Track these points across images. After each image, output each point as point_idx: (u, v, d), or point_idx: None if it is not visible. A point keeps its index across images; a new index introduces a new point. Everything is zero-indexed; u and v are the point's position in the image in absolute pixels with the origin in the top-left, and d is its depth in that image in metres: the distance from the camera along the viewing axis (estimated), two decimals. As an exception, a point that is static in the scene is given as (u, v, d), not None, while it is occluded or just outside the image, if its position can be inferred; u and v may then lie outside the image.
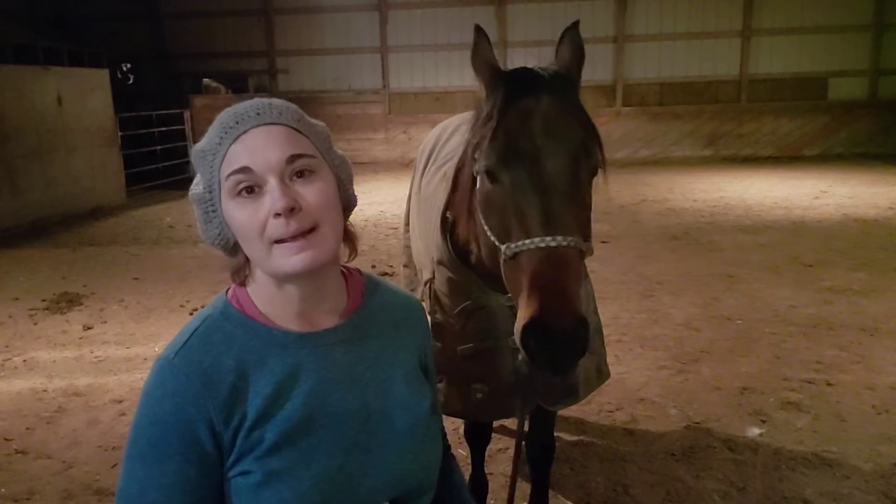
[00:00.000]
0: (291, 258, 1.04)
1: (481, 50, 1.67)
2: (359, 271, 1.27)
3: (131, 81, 16.55)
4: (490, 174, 1.58)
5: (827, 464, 3.22)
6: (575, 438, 3.55)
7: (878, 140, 15.32)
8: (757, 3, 15.38)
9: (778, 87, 15.71)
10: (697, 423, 3.66)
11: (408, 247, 3.15)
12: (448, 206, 2.09)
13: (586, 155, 1.58)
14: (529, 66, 1.65)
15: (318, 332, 1.13)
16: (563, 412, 3.75)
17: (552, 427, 2.60)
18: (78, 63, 11.26)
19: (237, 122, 1.07)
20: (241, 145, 1.06)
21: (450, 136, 2.74)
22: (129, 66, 16.54)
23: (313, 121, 1.16)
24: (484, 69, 1.66)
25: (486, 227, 1.63)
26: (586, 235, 1.55)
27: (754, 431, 3.55)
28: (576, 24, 1.69)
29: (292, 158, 1.05)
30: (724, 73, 15.77)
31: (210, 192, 1.10)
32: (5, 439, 3.72)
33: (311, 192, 1.06)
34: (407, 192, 3.24)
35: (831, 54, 15.43)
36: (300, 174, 1.06)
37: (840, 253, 7.04)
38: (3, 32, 11.32)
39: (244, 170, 1.04)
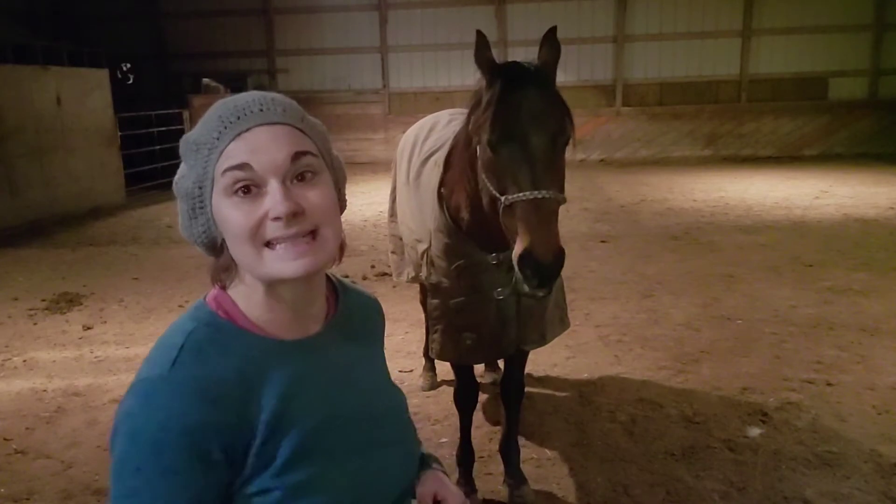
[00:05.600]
0: (290, 262, 0.99)
1: (482, 50, 2.14)
2: (326, 274, 1.21)
3: (131, 81, 16.54)
4: (491, 147, 2.07)
5: (827, 464, 3.21)
6: (575, 438, 3.54)
7: (878, 140, 15.32)
8: (757, 3, 15.38)
9: (778, 87, 15.72)
10: (697, 423, 3.65)
11: (394, 235, 3.63)
12: (441, 183, 2.63)
13: (562, 131, 2.07)
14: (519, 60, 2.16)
15: (311, 337, 1.10)
16: (561, 411, 3.80)
17: (523, 369, 3.02)
18: (77, 63, 11.25)
19: (238, 118, 1.01)
20: (242, 142, 1.00)
21: (427, 134, 3.22)
22: (128, 66, 16.52)
23: (312, 118, 1.11)
24: (484, 65, 2.15)
25: (488, 185, 2.13)
26: (562, 189, 2.06)
27: (754, 431, 3.54)
28: (554, 29, 2.16)
29: (297, 156, 1.00)
30: (724, 73, 15.78)
31: (200, 187, 1.02)
32: (5, 439, 3.72)
33: (314, 195, 1.01)
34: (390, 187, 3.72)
35: (831, 54, 15.43)
36: (301, 177, 1.01)
37: (840, 253, 7.04)
38: (3, 32, 11.31)
39: (244, 167, 0.98)
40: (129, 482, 0.93)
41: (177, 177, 1.07)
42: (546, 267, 1.90)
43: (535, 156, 1.99)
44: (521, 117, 2.02)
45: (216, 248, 1.07)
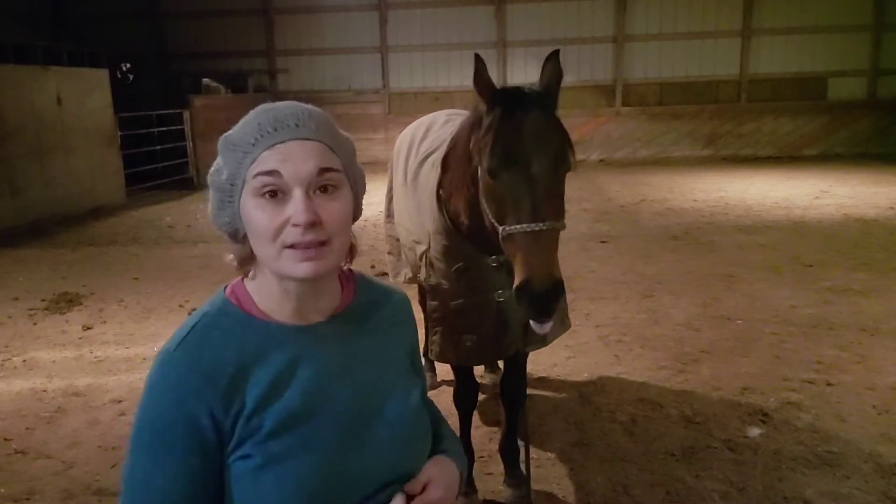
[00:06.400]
0: (298, 264, 1.09)
1: (481, 74, 2.10)
2: (351, 271, 1.32)
3: (131, 81, 16.53)
4: (491, 173, 2.03)
5: (827, 464, 3.22)
6: (575, 438, 3.54)
7: (877, 140, 15.33)
8: (757, 3, 15.38)
9: (778, 87, 15.72)
10: (697, 423, 3.65)
11: (390, 236, 3.65)
12: (440, 185, 2.59)
13: (562, 158, 2.03)
14: (525, 74, 2.20)
15: (313, 325, 1.19)
16: (561, 411, 3.81)
17: (523, 370, 3.04)
18: (77, 63, 11.25)
19: (275, 129, 1.11)
20: (276, 152, 1.10)
21: (424, 135, 3.20)
22: (128, 65, 16.51)
23: (342, 133, 1.21)
24: (484, 90, 2.11)
25: (487, 210, 2.12)
26: (561, 217, 2.02)
27: (754, 431, 3.54)
28: (556, 52, 2.13)
29: (321, 172, 1.11)
30: (724, 73, 15.78)
31: (231, 184, 1.13)
32: (5, 439, 3.72)
33: (332, 209, 1.11)
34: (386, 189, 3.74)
35: (831, 54, 15.44)
36: (324, 189, 1.11)
37: (840, 253, 7.04)
38: (3, 32, 11.31)
39: (273, 173, 1.09)
40: (133, 450, 1.09)
41: (212, 169, 1.18)
42: (542, 298, 1.89)
43: (534, 186, 1.96)
44: (522, 146, 1.98)
45: (237, 238, 1.18)
